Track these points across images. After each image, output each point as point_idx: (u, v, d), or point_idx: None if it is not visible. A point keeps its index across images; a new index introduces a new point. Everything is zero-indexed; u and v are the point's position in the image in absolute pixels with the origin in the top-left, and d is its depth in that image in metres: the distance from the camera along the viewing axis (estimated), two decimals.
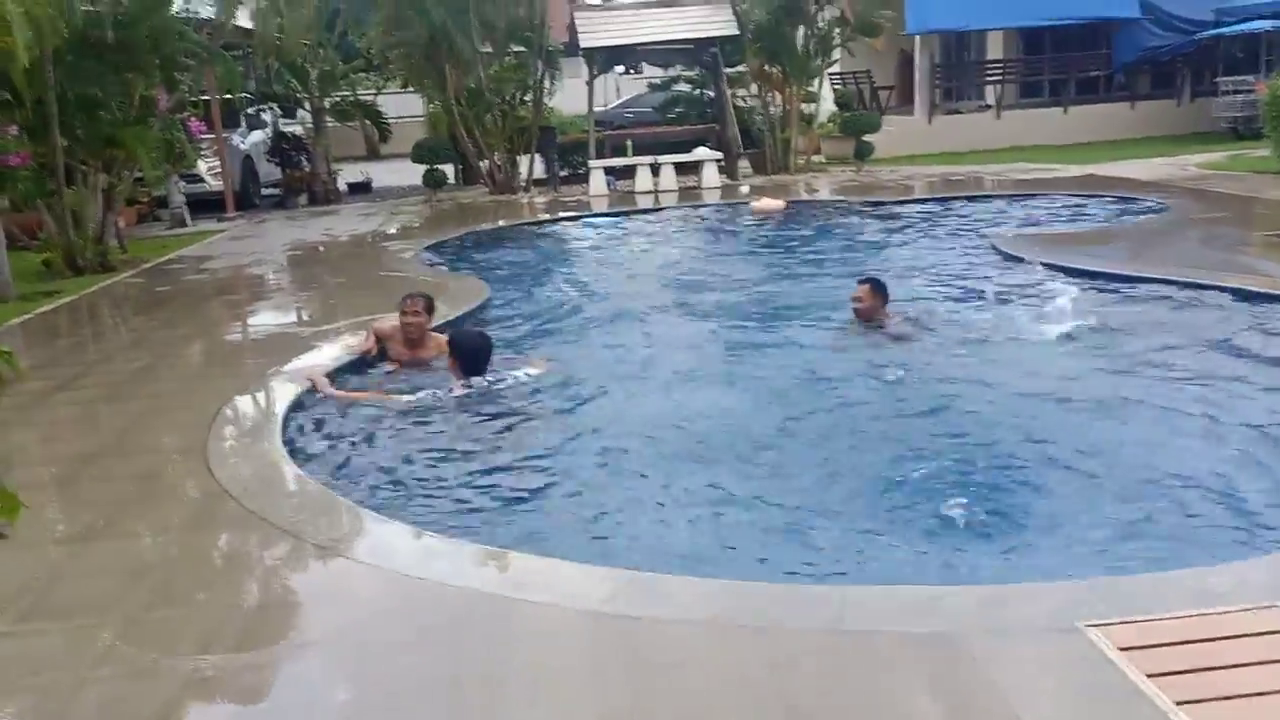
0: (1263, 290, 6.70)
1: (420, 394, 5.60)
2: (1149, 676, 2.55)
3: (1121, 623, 2.81)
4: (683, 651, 2.83)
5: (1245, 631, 2.74)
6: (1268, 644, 2.68)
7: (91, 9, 10.85)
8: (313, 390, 5.65)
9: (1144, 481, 4.09)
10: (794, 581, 3.38)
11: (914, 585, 3.21)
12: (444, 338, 6.14)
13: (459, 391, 5.58)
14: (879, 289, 6.46)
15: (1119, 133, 18.24)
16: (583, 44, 15.29)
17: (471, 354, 5.70)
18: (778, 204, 12.55)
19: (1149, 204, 11.07)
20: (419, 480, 4.56)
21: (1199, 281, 7.04)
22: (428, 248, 11.09)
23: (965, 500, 3.86)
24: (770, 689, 2.62)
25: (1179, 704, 2.43)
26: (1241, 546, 3.46)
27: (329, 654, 2.96)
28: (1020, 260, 8.37)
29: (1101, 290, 7.31)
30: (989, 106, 19.60)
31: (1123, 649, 2.68)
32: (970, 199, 12.51)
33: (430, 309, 6.25)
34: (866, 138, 16.36)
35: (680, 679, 2.70)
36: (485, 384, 5.66)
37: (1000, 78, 19.69)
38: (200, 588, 3.42)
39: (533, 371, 5.95)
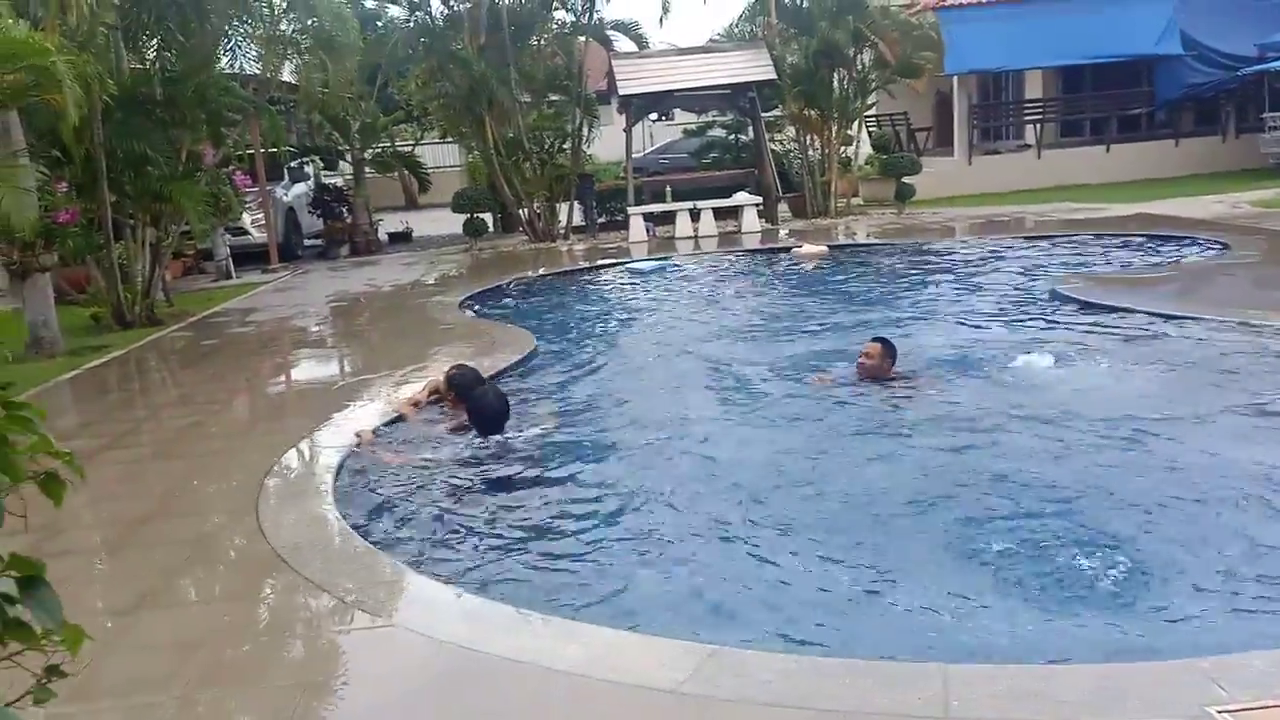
0: None
1: (442, 450, 5.56)
2: None
3: (1256, 708, 2.57)
4: None
5: None
6: None
7: (139, 66, 11.04)
8: (359, 446, 5.55)
9: (1246, 545, 3.82)
10: (884, 658, 3.14)
11: (1022, 664, 2.97)
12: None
13: (477, 444, 5.56)
14: (889, 349, 6.36)
15: (1163, 171, 17.94)
16: (621, 90, 15.33)
17: (490, 419, 5.69)
18: (820, 249, 12.42)
19: (1205, 243, 10.77)
20: (472, 542, 4.41)
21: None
22: (470, 297, 11.04)
23: (1057, 564, 3.62)
24: None
25: None
26: None
27: None
28: (1082, 303, 8.13)
29: (1163, 334, 7.05)
30: (1029, 146, 19.39)
31: None
32: (1025, 239, 12.26)
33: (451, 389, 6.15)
34: (907, 179, 16.20)
35: None
36: (503, 439, 5.60)
37: (1040, 116, 19.52)
38: (259, 661, 3.26)
39: (546, 426, 5.91)
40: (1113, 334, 7.28)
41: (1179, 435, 5.09)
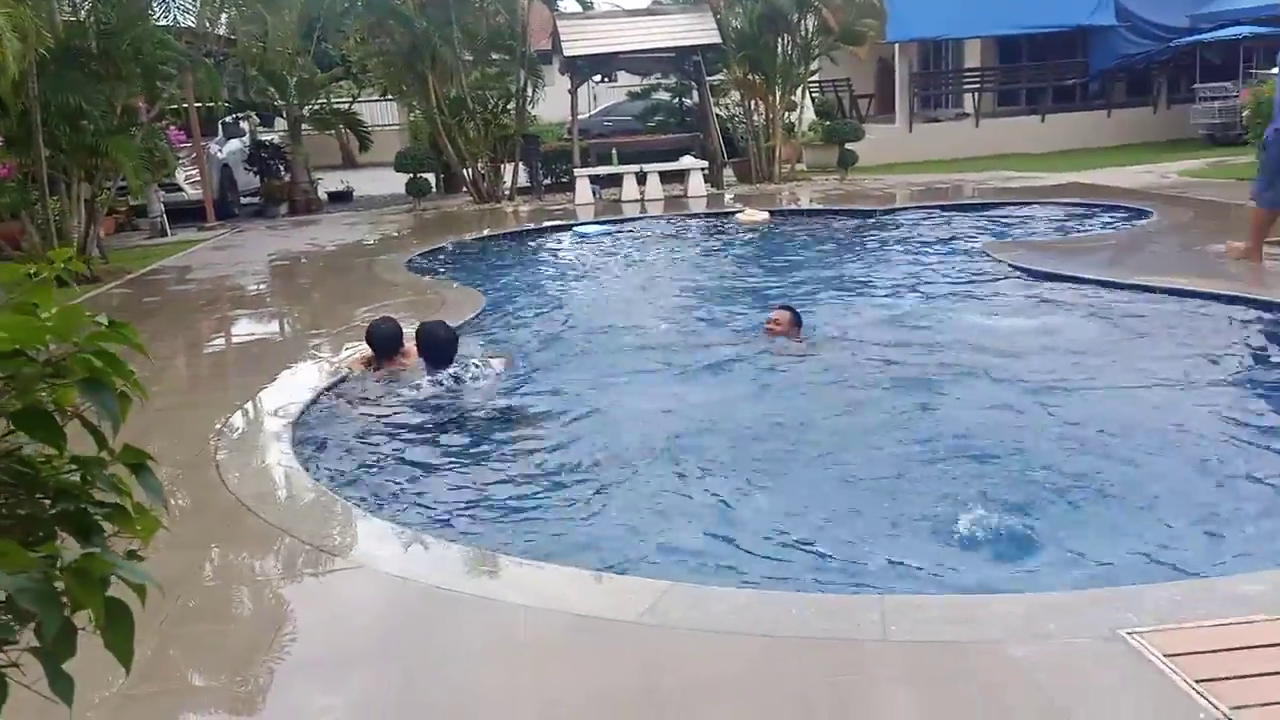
0: (1256, 296, 6.80)
1: (396, 386, 5.80)
2: (1199, 682, 2.57)
3: (1163, 629, 2.83)
4: (727, 663, 2.81)
5: None
6: None
7: (73, 19, 10.72)
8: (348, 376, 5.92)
9: (1160, 487, 4.13)
10: (834, 591, 3.37)
11: (957, 594, 3.21)
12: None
13: (428, 388, 5.72)
14: (796, 317, 6.66)
15: (1096, 140, 18.47)
16: (566, 52, 15.27)
17: (438, 347, 5.90)
18: (762, 215, 12.57)
19: (1133, 211, 11.21)
20: (431, 485, 4.57)
21: (1185, 289, 7.13)
22: (418, 256, 11.02)
23: (986, 510, 3.88)
24: (812, 699, 2.62)
25: (1235, 709, 2.44)
26: (1269, 552, 3.49)
27: (359, 669, 2.92)
28: (1009, 266, 8.46)
29: (1091, 297, 7.40)
30: (967, 115, 19.80)
31: (1168, 655, 2.70)
32: (959, 208, 12.60)
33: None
34: (849, 146, 16.46)
35: (726, 691, 2.69)
36: (453, 379, 5.78)
37: (979, 86, 19.91)
38: (227, 601, 3.37)
39: (497, 368, 6.10)
40: (1042, 298, 7.61)
41: (1095, 388, 5.42)
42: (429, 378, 5.84)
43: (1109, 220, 11.24)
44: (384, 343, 6.10)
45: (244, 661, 2.96)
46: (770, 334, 6.66)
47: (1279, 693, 2.54)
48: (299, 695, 2.82)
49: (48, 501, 0.94)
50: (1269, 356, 5.92)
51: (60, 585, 0.90)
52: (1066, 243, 10.20)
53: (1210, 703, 2.48)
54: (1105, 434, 4.74)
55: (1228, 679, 2.58)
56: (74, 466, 0.97)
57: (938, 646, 2.81)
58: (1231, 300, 6.79)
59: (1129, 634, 2.81)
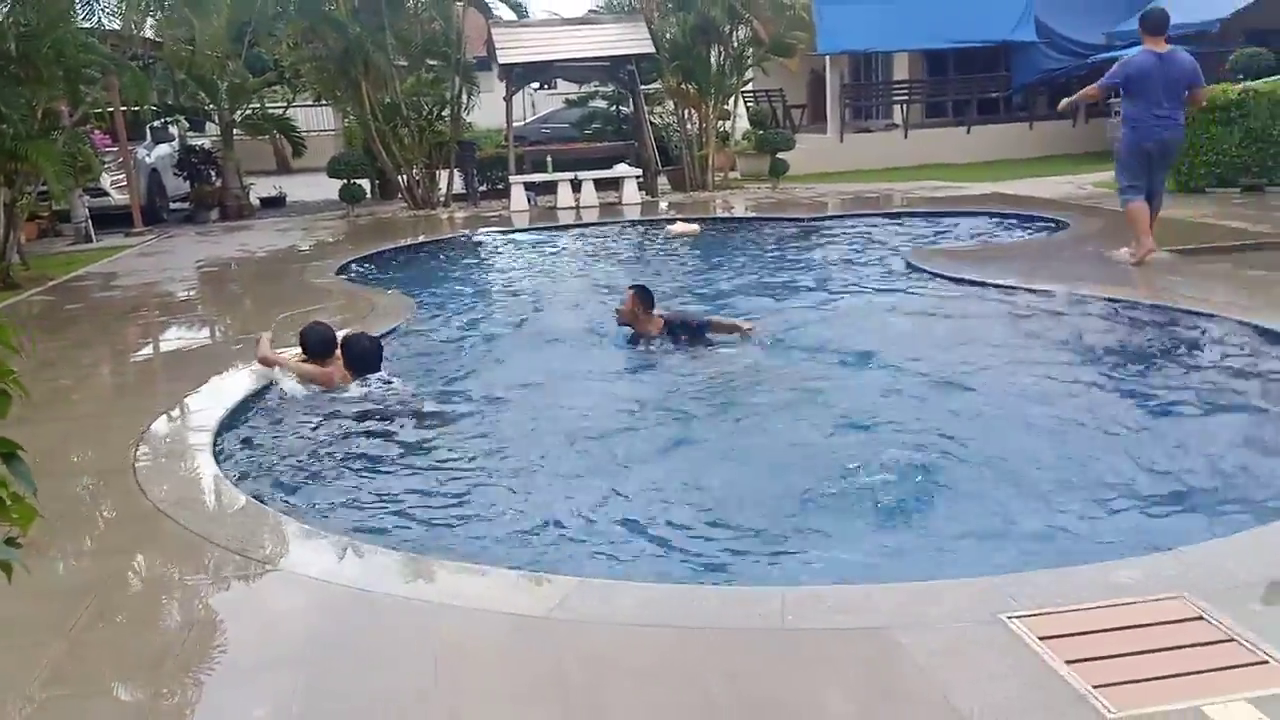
0: (1150, 301, 7.16)
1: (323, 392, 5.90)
2: (1069, 663, 2.75)
3: (1040, 614, 3.02)
4: (635, 655, 2.93)
5: (1154, 620, 2.97)
6: (1172, 631, 2.92)
7: None
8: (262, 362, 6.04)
9: (1043, 477, 4.38)
10: (735, 584, 3.51)
11: (846, 585, 3.37)
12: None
13: (355, 392, 5.83)
14: (644, 296, 6.81)
15: (1019, 152, 19.07)
16: (500, 59, 15.34)
17: (365, 355, 6.02)
18: (693, 227, 12.67)
19: (1049, 221, 11.63)
20: (352, 489, 4.62)
21: (1086, 294, 7.48)
22: (349, 262, 10.99)
23: (876, 499, 4.09)
24: (715, 685, 2.75)
25: (1096, 687, 2.63)
26: (1141, 539, 3.72)
27: (268, 670, 2.97)
28: (925, 272, 8.77)
29: (1001, 301, 7.71)
30: (896, 125, 20.29)
31: (1042, 638, 2.88)
32: (884, 216, 12.94)
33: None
34: (781, 155, 16.77)
35: (633, 681, 2.81)
36: (382, 383, 5.90)
37: (907, 98, 20.42)
38: (141, 606, 3.39)
39: (418, 381, 6.28)
40: (952, 301, 7.90)
41: (988, 383, 5.71)
42: (357, 383, 5.90)
43: (1027, 229, 11.66)
44: (318, 346, 6.13)
45: (155, 665, 2.99)
46: (619, 318, 6.82)
47: (1139, 670, 2.74)
48: (213, 698, 2.87)
49: None
50: (1154, 354, 6.24)
51: None
52: (986, 250, 10.56)
53: (1076, 682, 2.66)
54: (994, 424, 5.02)
55: (1094, 659, 2.77)
56: None
57: (830, 634, 2.97)
58: (1131, 305, 7.13)
59: (1008, 618, 3.00)
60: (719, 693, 2.72)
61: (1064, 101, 9.56)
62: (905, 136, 19.74)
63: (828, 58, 19.51)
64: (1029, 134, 19.74)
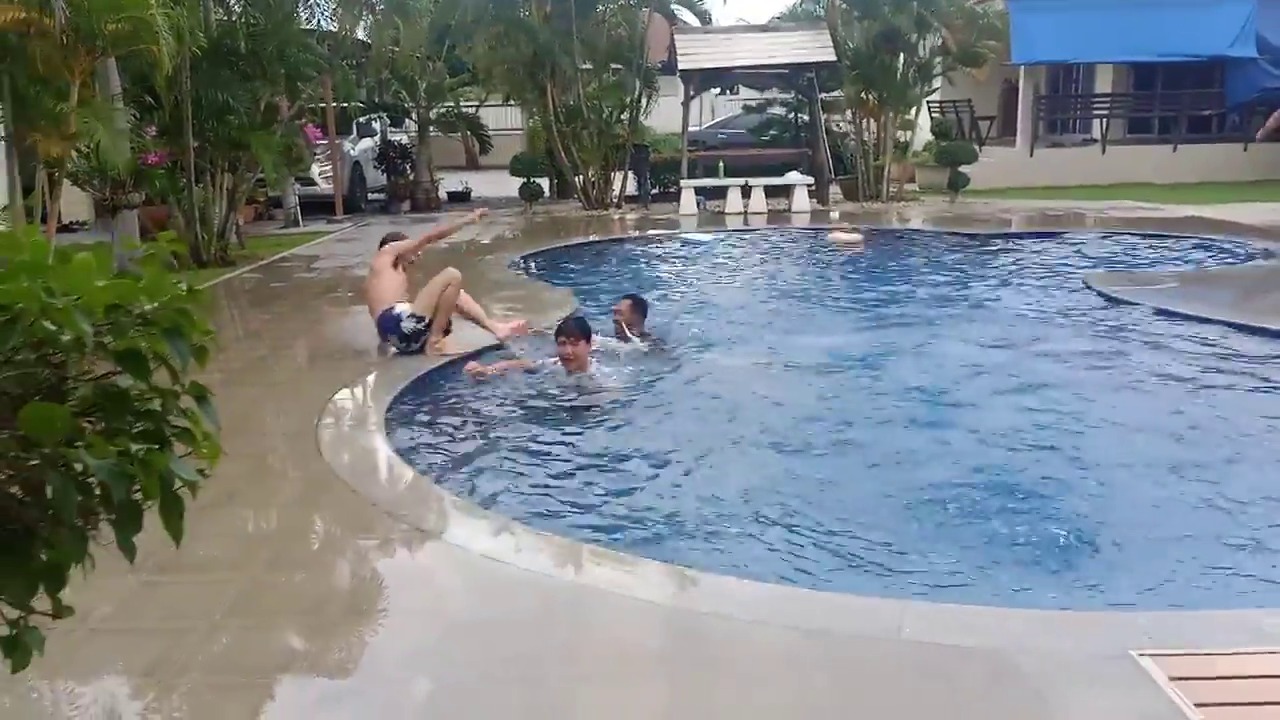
0: None
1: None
2: (1197, 706, 2.66)
3: (1173, 654, 2.92)
4: (747, 650, 3.03)
5: None
6: None
7: (224, 19, 11.63)
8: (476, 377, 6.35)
9: (1204, 515, 4.15)
10: (858, 593, 3.55)
11: (975, 605, 3.34)
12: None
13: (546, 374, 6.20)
14: (638, 305, 7.07)
15: (1231, 174, 17.73)
16: (681, 65, 15.62)
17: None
18: (856, 237, 12.52)
19: (1256, 250, 10.79)
20: (512, 472, 4.91)
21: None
22: (522, 258, 11.51)
23: (1019, 526, 4.00)
24: (826, 689, 2.81)
25: None
26: None
27: (419, 626, 3.24)
28: (1112, 299, 8.34)
29: (1188, 334, 7.27)
30: (1094, 140, 19.27)
31: (1173, 678, 2.79)
32: (1067, 236, 12.35)
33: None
34: (962, 168, 16.27)
35: (743, 677, 2.91)
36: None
37: (1108, 112, 19.36)
38: (316, 555, 3.79)
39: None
40: (1134, 330, 7.50)
41: (1148, 420, 5.45)
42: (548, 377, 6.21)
43: (1226, 257, 10.87)
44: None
45: (318, 610, 3.33)
46: (618, 325, 6.96)
47: None
48: (372, 648, 3.17)
49: (132, 419, 1.26)
50: None
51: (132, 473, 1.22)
52: (1177, 276, 9.92)
53: None
54: (1153, 456, 4.80)
55: (1225, 705, 2.67)
56: (154, 396, 1.29)
57: (947, 650, 2.97)
58: None
59: (1139, 654, 2.91)
60: (821, 699, 2.77)
61: (1261, 131, 8.83)
62: (1103, 152, 18.71)
63: (1023, 68, 18.75)
64: (1242, 156, 18.29)
